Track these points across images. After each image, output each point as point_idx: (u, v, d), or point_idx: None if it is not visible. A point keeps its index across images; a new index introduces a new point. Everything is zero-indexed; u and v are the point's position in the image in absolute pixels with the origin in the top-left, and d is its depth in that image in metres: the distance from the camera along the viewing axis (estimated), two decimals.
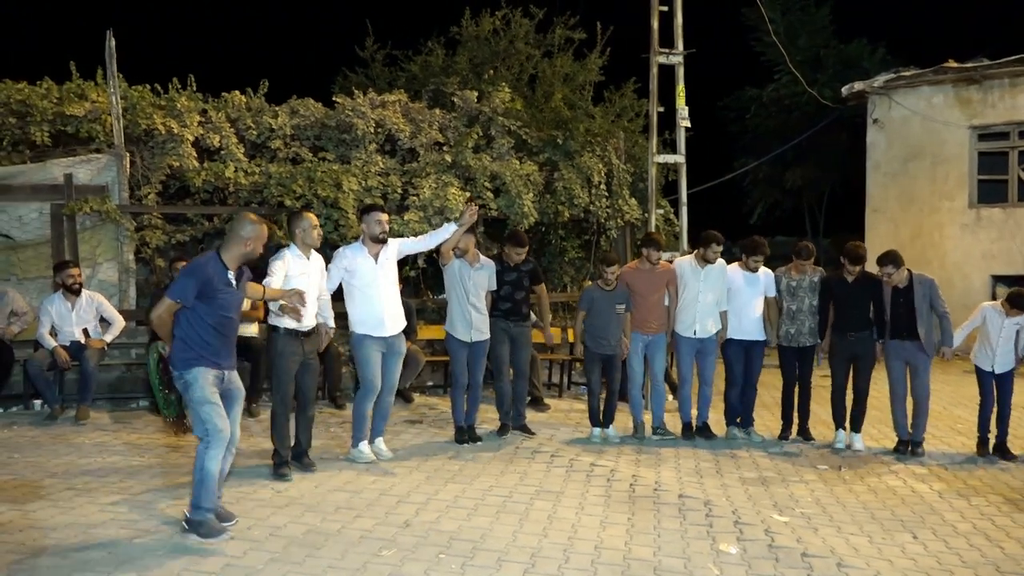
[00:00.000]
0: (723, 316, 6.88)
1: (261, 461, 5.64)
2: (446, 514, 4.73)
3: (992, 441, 6.53)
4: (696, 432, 6.90)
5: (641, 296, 6.83)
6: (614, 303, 6.76)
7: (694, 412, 6.97)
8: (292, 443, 5.52)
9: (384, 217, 5.91)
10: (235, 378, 4.49)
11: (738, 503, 5.12)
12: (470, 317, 6.43)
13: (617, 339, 6.77)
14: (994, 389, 6.52)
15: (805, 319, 6.82)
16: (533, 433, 6.83)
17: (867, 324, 6.62)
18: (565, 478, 5.58)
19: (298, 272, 5.33)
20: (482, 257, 6.62)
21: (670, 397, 8.82)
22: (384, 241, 5.86)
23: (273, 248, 5.97)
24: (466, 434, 6.52)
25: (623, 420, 7.25)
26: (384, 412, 6.07)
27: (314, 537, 4.29)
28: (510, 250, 6.78)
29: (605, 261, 6.93)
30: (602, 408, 6.85)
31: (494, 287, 6.67)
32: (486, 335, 6.56)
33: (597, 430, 6.80)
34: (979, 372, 6.60)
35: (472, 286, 6.45)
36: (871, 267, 6.69)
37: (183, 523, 4.24)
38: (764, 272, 6.93)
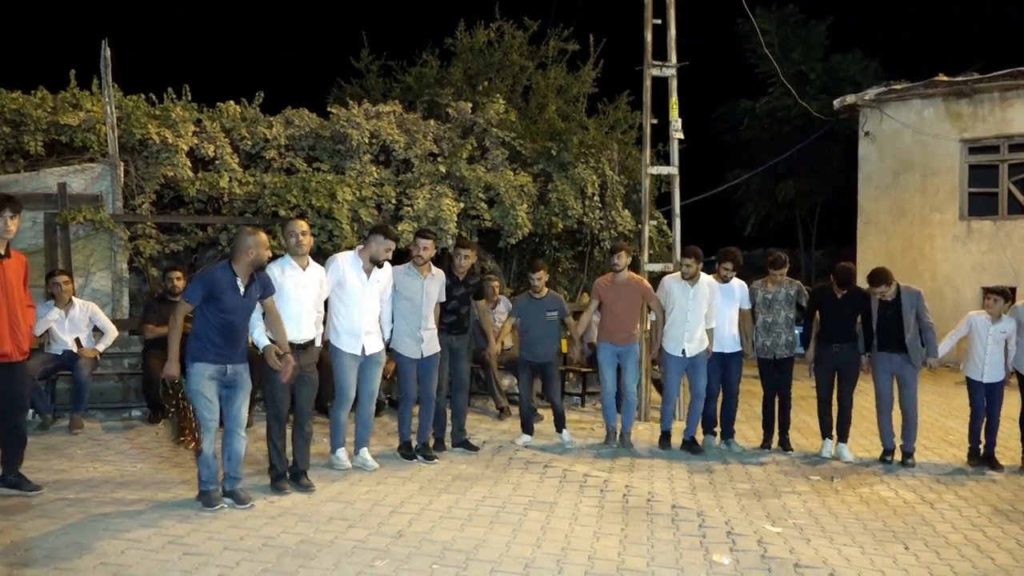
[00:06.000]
0: (710, 333, 6.86)
1: (254, 471, 5.62)
2: (439, 524, 4.72)
3: (980, 451, 6.57)
4: (683, 446, 6.85)
5: (608, 307, 6.85)
6: (544, 311, 6.79)
7: (679, 425, 7.00)
8: (289, 461, 5.43)
9: (393, 246, 5.83)
10: (242, 371, 4.96)
11: (731, 514, 5.14)
12: (420, 333, 6.17)
13: (552, 347, 6.83)
14: (984, 400, 6.56)
15: (781, 331, 6.85)
16: (476, 448, 6.63)
17: (852, 336, 6.66)
18: (559, 489, 5.59)
19: (292, 283, 5.27)
20: (434, 268, 6.34)
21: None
22: (382, 265, 5.82)
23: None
24: (413, 450, 6.25)
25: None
26: (366, 420, 5.96)
27: (307, 547, 4.28)
28: (456, 254, 6.54)
29: (532, 268, 6.90)
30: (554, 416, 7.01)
31: (443, 299, 6.41)
32: (436, 348, 6.33)
33: (527, 437, 6.89)
34: (970, 383, 6.65)
35: (426, 298, 6.20)
36: (862, 285, 6.76)
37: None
38: (738, 284, 6.96)
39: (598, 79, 12.61)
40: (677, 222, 8.83)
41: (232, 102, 9.60)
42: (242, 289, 4.84)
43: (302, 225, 5.37)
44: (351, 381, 5.81)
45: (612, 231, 10.30)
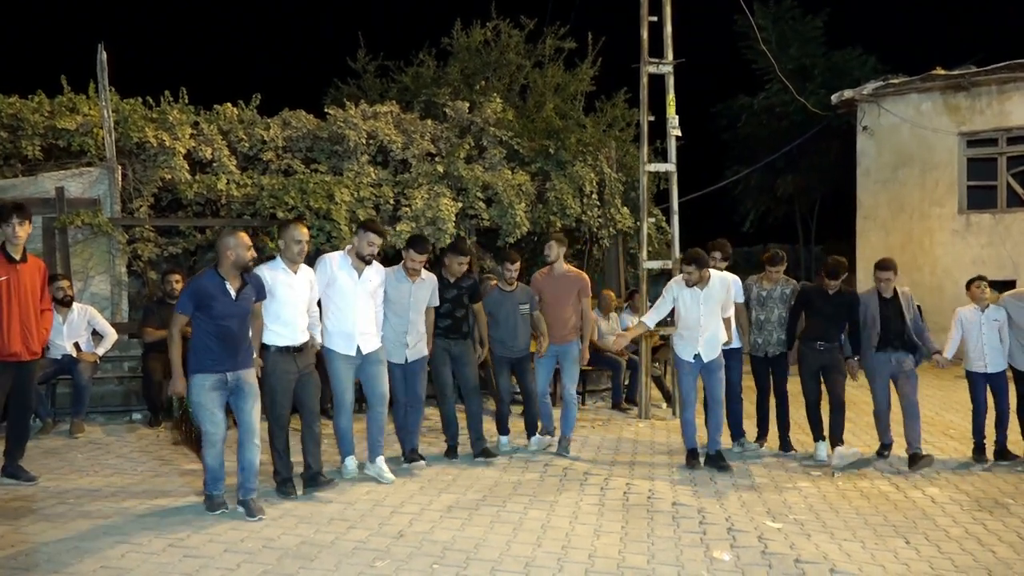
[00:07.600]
0: (727, 323, 6.48)
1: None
2: (440, 524, 4.72)
3: (992, 447, 6.49)
4: (707, 461, 6.22)
5: (547, 303, 6.63)
6: (517, 303, 6.60)
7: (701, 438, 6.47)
8: (295, 464, 5.33)
9: (378, 241, 5.69)
10: (246, 376, 4.88)
11: (731, 510, 5.13)
12: (406, 339, 5.99)
13: (526, 341, 6.63)
14: (988, 394, 6.52)
15: (773, 330, 6.71)
16: (495, 455, 6.36)
17: (837, 337, 6.53)
18: (559, 487, 5.59)
19: (283, 287, 5.17)
20: (424, 272, 6.11)
21: (664, 404, 8.86)
22: (370, 262, 5.70)
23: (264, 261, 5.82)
24: (409, 456, 6.10)
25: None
26: (379, 424, 5.78)
27: (308, 549, 4.28)
28: (451, 260, 6.33)
29: (507, 258, 6.67)
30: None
31: (436, 303, 6.20)
32: (423, 352, 6.15)
33: (505, 439, 6.72)
34: (971, 377, 6.58)
35: (413, 302, 6.01)
36: (869, 272, 6.70)
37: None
38: (732, 279, 6.68)
39: (595, 77, 12.62)
40: (675, 219, 8.83)
41: (229, 104, 9.60)
42: (233, 294, 4.76)
43: (305, 232, 5.25)
44: (346, 384, 5.66)
45: (611, 229, 10.31)
